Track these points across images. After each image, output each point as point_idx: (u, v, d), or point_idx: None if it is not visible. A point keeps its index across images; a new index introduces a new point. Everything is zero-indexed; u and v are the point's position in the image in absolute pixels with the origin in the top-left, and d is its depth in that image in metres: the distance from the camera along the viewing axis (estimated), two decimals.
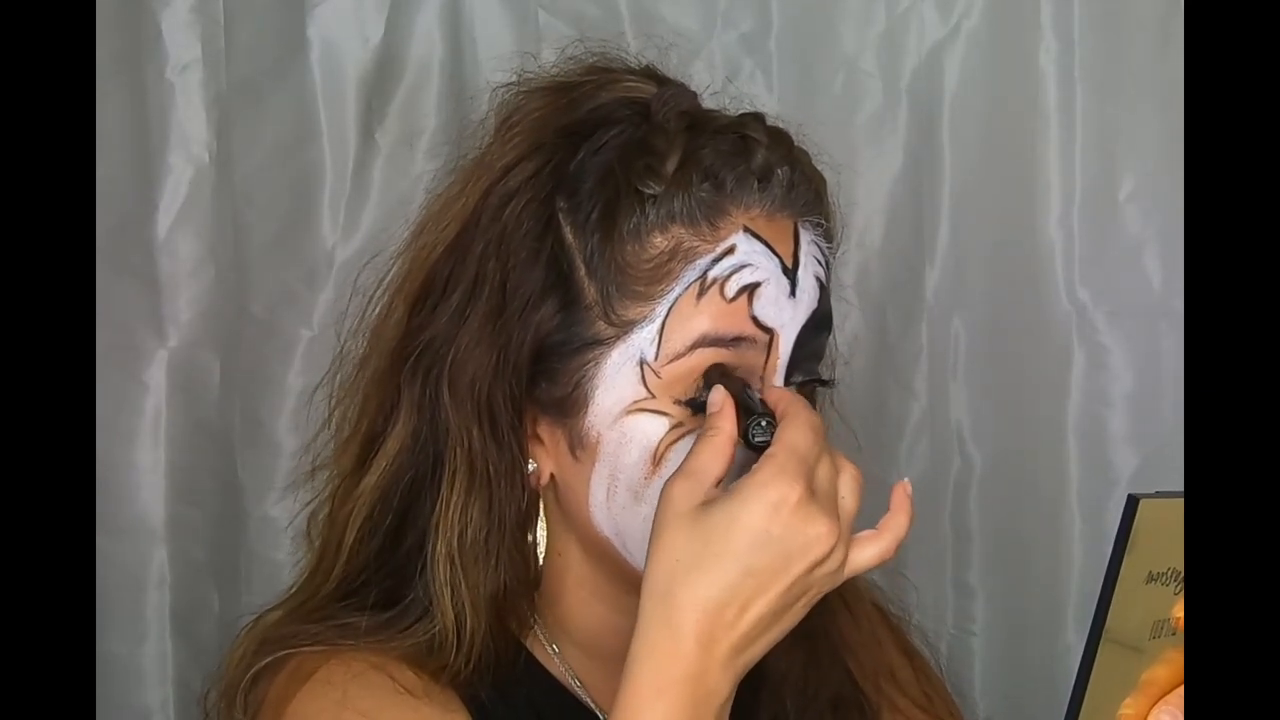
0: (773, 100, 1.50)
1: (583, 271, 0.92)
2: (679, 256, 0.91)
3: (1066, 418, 1.55)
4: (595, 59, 0.99)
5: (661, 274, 0.91)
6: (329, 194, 1.52)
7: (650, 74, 0.98)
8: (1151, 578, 0.75)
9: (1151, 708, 0.78)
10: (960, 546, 1.59)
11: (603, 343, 0.91)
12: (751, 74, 1.52)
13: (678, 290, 0.91)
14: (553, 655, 0.99)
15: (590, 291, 0.91)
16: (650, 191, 0.91)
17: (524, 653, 0.98)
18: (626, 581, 0.94)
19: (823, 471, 0.85)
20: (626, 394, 0.91)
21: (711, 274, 0.91)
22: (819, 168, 0.98)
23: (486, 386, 0.93)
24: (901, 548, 0.88)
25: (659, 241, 0.91)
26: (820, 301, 0.94)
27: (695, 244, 0.91)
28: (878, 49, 1.54)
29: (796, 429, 0.85)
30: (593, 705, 0.99)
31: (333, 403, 1.02)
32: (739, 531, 0.82)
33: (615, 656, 0.96)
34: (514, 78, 0.99)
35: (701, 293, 0.91)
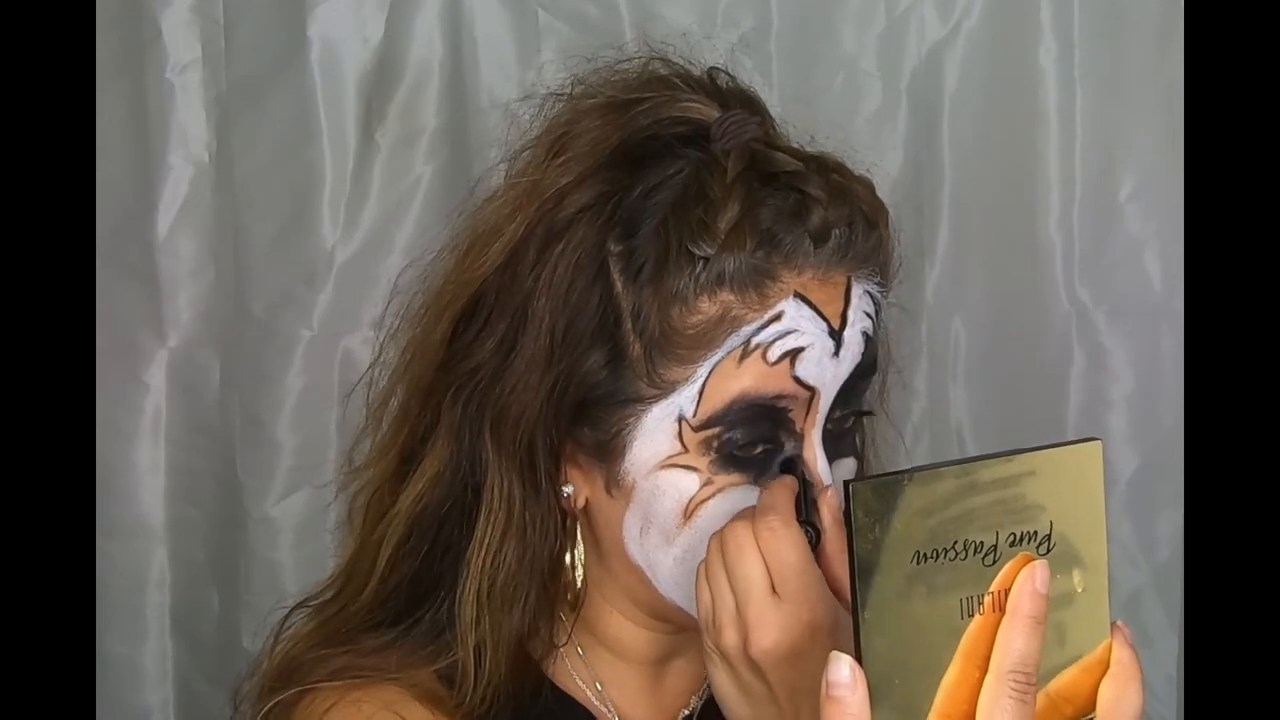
0: (773, 100, 1.50)
1: (629, 326, 0.90)
2: (724, 325, 0.89)
3: (1066, 418, 1.55)
4: (653, 63, 0.97)
5: (705, 340, 0.89)
6: (329, 194, 1.52)
7: (712, 88, 0.96)
8: (921, 558, 0.70)
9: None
10: None
11: (644, 400, 0.90)
12: (751, 74, 1.52)
13: (720, 355, 0.89)
14: (579, 658, 0.99)
15: (635, 348, 0.90)
16: (701, 254, 0.88)
17: (546, 683, 0.98)
18: (653, 602, 0.95)
19: None
20: (662, 449, 0.90)
21: (755, 340, 0.89)
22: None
23: (528, 432, 0.92)
24: None
25: (705, 306, 0.89)
26: (864, 354, 0.92)
27: (742, 311, 0.89)
28: (878, 49, 1.54)
29: None
30: (612, 714, 0.99)
31: (372, 404, 1.01)
32: None
33: (641, 660, 1.00)
34: (569, 85, 0.97)
35: (744, 356, 0.89)
